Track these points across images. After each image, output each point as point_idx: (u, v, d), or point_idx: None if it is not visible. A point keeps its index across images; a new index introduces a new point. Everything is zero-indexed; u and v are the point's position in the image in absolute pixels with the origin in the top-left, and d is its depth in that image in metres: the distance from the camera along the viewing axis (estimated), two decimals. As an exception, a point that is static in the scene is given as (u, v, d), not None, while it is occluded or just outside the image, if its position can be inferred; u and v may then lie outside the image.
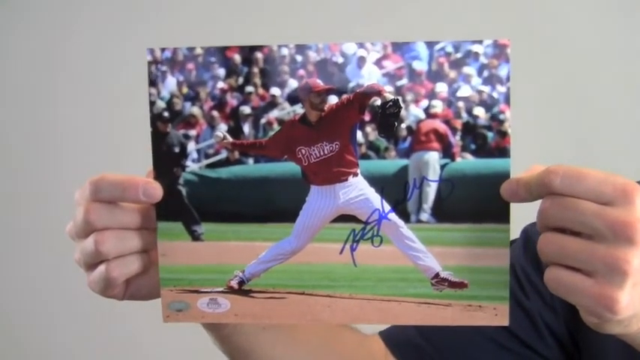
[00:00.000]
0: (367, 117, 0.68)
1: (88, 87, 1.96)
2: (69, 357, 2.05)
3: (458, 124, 0.68)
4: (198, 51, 0.69)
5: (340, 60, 0.68)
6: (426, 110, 0.68)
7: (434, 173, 0.68)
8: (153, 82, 0.69)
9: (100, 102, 1.96)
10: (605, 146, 1.69)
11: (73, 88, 1.97)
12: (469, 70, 0.67)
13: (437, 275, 0.69)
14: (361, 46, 0.68)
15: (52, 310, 2.04)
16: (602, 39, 1.70)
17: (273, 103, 0.70)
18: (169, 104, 0.70)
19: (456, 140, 0.68)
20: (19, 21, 1.98)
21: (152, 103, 0.69)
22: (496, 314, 0.69)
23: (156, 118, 0.70)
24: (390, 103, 0.67)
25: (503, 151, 0.67)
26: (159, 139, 0.70)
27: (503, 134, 0.67)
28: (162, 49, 0.69)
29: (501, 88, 0.67)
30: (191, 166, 0.71)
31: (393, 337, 0.93)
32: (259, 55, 0.69)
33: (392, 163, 0.69)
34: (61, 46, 1.97)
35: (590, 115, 1.72)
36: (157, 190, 0.68)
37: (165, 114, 0.70)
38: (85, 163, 1.90)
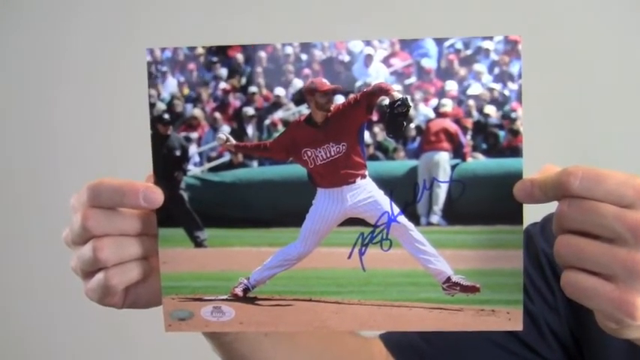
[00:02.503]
0: (375, 117, 0.65)
1: (87, 87, 1.91)
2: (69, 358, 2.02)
3: (468, 123, 0.65)
4: (200, 50, 0.65)
5: (346, 58, 0.65)
6: (436, 109, 0.65)
7: (444, 174, 0.65)
8: (153, 84, 0.65)
9: (99, 103, 1.91)
10: (619, 144, 1.65)
11: (71, 88, 1.92)
12: (479, 67, 0.64)
13: (448, 279, 0.66)
14: (368, 43, 0.65)
15: (52, 310, 2.00)
16: (616, 35, 1.65)
17: (277, 104, 0.66)
18: (170, 106, 0.66)
19: (466, 140, 0.65)
20: (17, 21, 1.94)
21: (152, 105, 0.66)
22: (509, 319, 0.65)
23: (156, 121, 0.66)
24: (399, 103, 0.64)
25: (515, 151, 0.64)
26: (159, 142, 0.66)
27: (515, 133, 0.64)
28: (162, 49, 0.65)
29: (513, 86, 0.64)
30: (193, 169, 0.68)
31: (394, 340, 0.90)
32: (263, 54, 0.65)
33: (401, 164, 0.66)
34: (59, 45, 1.92)
35: (603, 113, 1.67)
36: (157, 196, 0.65)
37: (166, 116, 0.66)
38: (83, 165, 1.87)
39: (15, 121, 1.97)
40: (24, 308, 2.02)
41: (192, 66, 0.65)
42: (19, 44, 1.95)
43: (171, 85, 0.65)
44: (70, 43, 1.91)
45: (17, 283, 2.02)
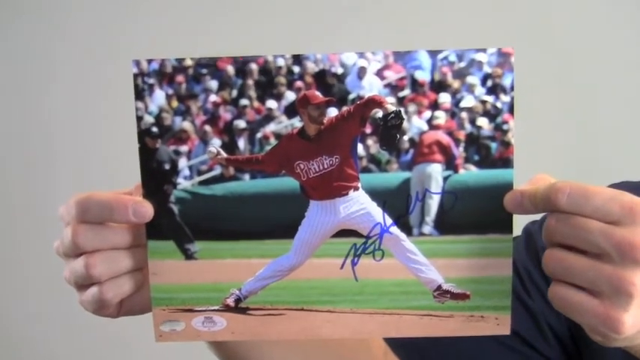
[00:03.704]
0: (368, 129, 0.64)
1: (78, 98, 1.86)
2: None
3: (461, 135, 0.64)
4: (188, 62, 0.63)
5: (340, 70, 0.63)
6: (429, 122, 0.64)
7: (436, 185, 0.65)
8: (140, 96, 0.63)
9: (89, 112, 1.85)
10: (609, 156, 1.66)
11: (62, 99, 1.86)
12: (473, 79, 0.63)
13: (439, 287, 0.66)
14: (361, 55, 0.63)
15: (48, 312, 1.96)
16: (609, 47, 1.65)
17: (269, 117, 0.64)
18: (158, 119, 0.63)
19: (459, 152, 0.65)
20: (18, 24, 1.86)
21: (139, 118, 0.63)
22: (498, 324, 0.66)
23: (144, 134, 0.64)
24: (392, 115, 0.63)
25: (506, 162, 0.63)
26: (147, 155, 0.64)
27: (507, 144, 0.63)
28: (149, 61, 0.62)
29: (505, 98, 0.63)
30: (183, 183, 0.66)
31: None
32: (254, 67, 0.63)
33: (394, 176, 0.65)
34: (49, 54, 1.85)
35: (594, 125, 1.68)
36: (147, 210, 0.63)
37: (154, 129, 0.64)
38: (75, 173, 1.82)
39: (11, 125, 1.90)
40: (19, 311, 1.98)
41: (180, 78, 0.63)
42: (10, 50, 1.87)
43: (159, 97, 0.63)
44: (60, 53, 1.85)
45: (12, 285, 1.97)
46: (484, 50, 0.62)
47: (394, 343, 0.88)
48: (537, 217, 0.87)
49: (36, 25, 1.86)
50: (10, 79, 1.90)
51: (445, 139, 0.65)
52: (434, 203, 0.65)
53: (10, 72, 1.89)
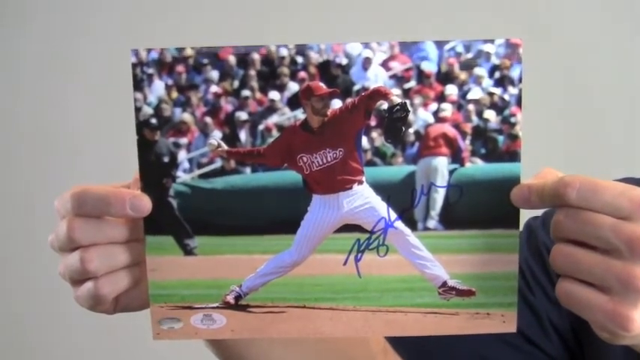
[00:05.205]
0: (373, 122, 0.62)
1: (77, 89, 1.82)
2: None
3: (468, 127, 0.62)
4: (189, 52, 0.61)
5: (344, 61, 0.61)
6: (435, 114, 0.62)
7: (442, 179, 0.63)
8: (138, 86, 0.60)
9: (88, 104, 1.82)
10: (617, 150, 1.64)
11: (62, 89, 1.83)
12: (480, 71, 0.61)
13: (444, 284, 0.64)
14: (367, 46, 0.61)
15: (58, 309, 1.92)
16: (617, 42, 1.64)
17: (271, 108, 0.62)
18: (157, 110, 0.61)
19: (465, 145, 0.63)
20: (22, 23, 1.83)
21: (138, 109, 0.61)
22: (504, 321, 0.64)
23: (142, 126, 0.61)
24: (398, 107, 0.61)
25: (513, 155, 0.61)
26: (146, 147, 0.61)
27: (514, 137, 0.62)
28: (148, 50, 0.60)
29: (513, 90, 0.61)
30: (182, 176, 0.63)
31: None
32: (256, 57, 0.61)
33: (399, 170, 0.63)
34: (48, 49, 1.82)
35: (602, 118, 1.66)
36: (145, 204, 0.60)
37: (153, 121, 0.61)
38: (72, 165, 1.79)
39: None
40: (24, 306, 1.95)
41: (180, 68, 0.61)
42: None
43: (158, 88, 0.61)
44: (66, 46, 1.81)
45: (16, 280, 1.94)
46: (492, 41, 0.60)
47: (394, 341, 0.86)
48: (539, 212, 0.86)
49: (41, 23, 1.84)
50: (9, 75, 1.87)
51: (451, 131, 0.63)
52: (439, 197, 0.63)
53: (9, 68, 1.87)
